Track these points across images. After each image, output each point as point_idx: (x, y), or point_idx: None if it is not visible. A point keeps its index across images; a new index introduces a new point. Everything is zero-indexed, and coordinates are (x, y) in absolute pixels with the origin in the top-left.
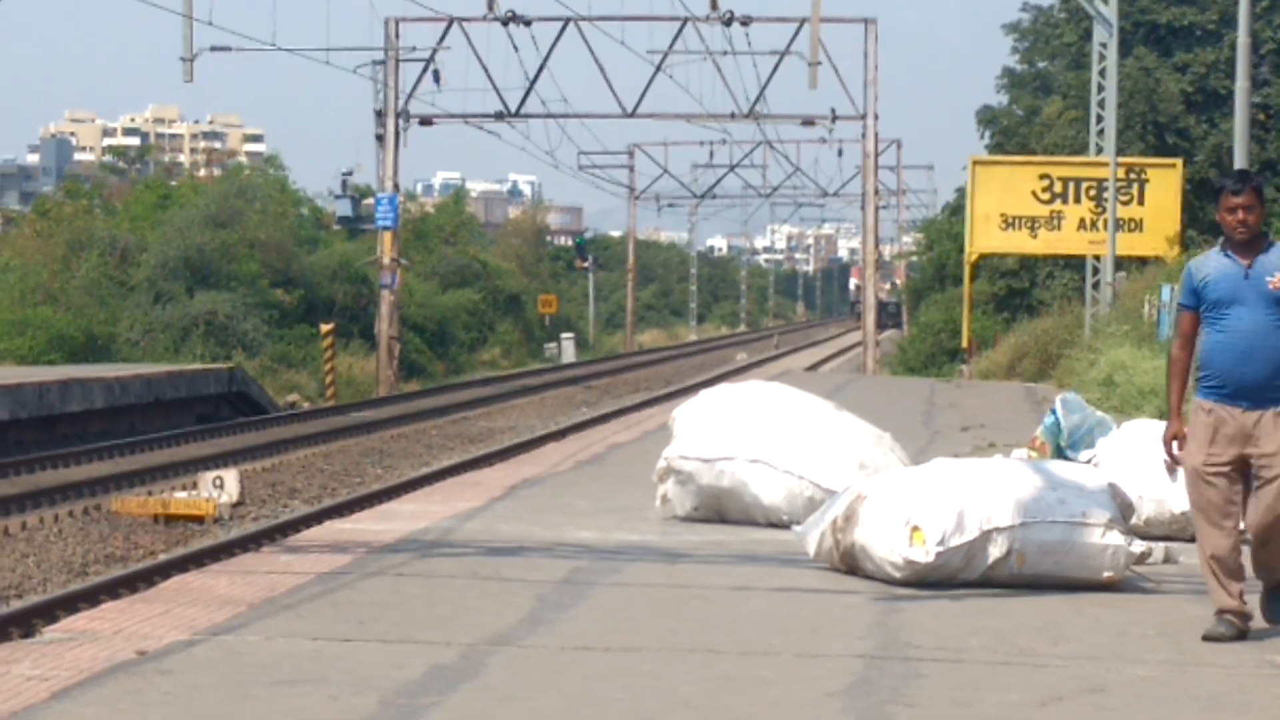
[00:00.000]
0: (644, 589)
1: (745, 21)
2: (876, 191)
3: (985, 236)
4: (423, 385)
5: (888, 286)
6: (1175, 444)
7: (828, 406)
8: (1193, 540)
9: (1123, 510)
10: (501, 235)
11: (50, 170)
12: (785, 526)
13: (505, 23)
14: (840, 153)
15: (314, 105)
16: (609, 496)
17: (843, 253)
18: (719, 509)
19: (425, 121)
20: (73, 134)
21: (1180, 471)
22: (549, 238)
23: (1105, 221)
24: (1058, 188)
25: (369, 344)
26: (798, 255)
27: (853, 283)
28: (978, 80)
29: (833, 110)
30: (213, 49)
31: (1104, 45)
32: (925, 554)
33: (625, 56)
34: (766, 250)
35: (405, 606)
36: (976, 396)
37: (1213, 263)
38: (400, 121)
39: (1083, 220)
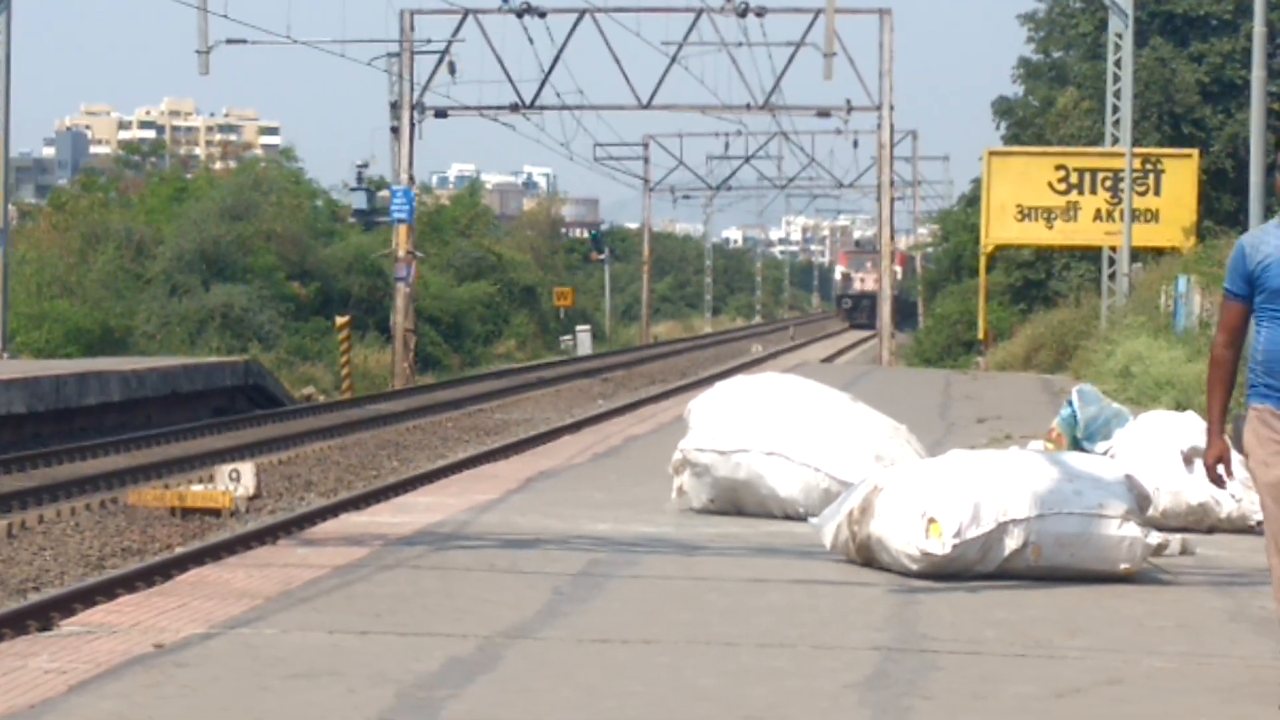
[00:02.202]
0: (661, 581)
1: (760, 13)
2: (892, 183)
3: (1001, 228)
4: (438, 378)
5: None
6: (1220, 466)
7: (844, 399)
8: (1210, 532)
9: (1139, 502)
10: (517, 227)
11: (66, 163)
12: (801, 519)
13: (520, 14)
14: (855, 144)
15: (329, 98)
16: (625, 489)
17: None
18: (735, 501)
19: (440, 114)
20: (88, 127)
21: (1197, 463)
22: (564, 230)
23: (1121, 212)
24: (1073, 179)
25: (384, 337)
26: (813, 247)
27: (838, 271)
28: (993, 71)
29: (848, 101)
30: (228, 42)
31: (1119, 35)
32: (941, 546)
33: (640, 48)
34: (782, 242)
35: (422, 599)
36: (993, 388)
37: (1273, 242)
38: (415, 114)
39: (1099, 211)
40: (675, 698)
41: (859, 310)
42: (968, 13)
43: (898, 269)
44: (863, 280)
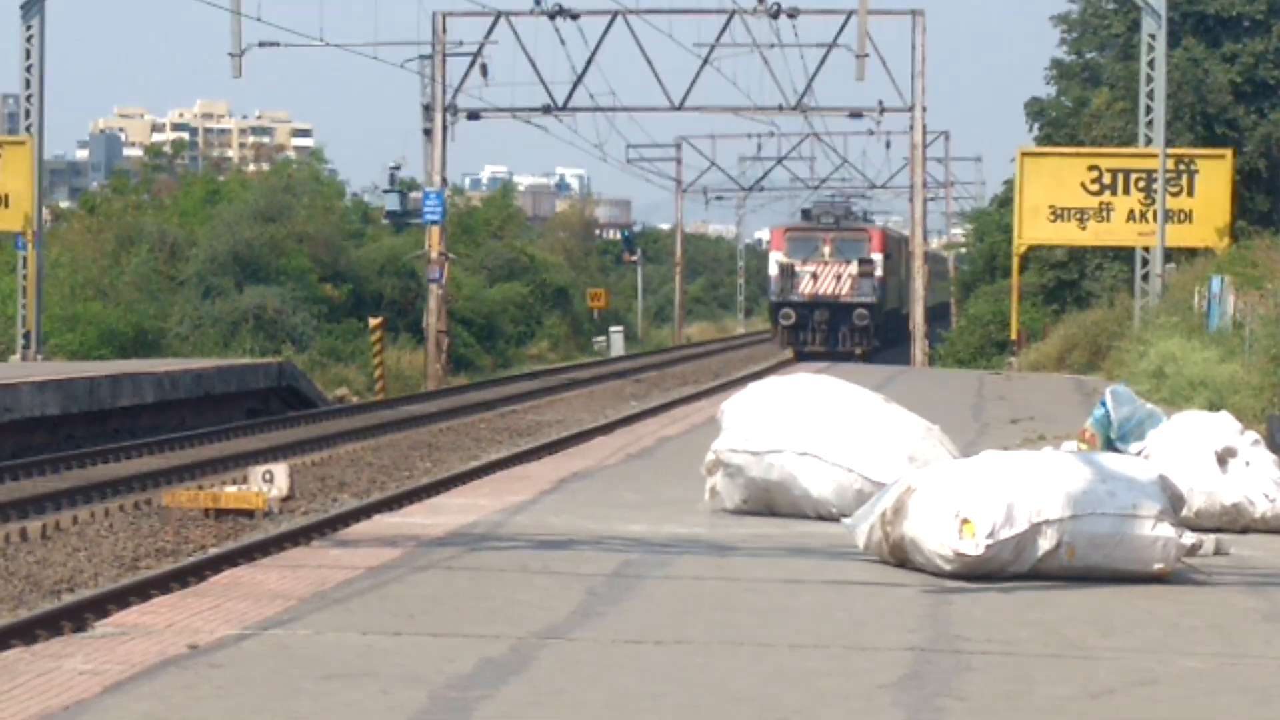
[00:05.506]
0: (694, 582)
1: (793, 14)
2: (925, 183)
3: (1034, 228)
4: (471, 379)
5: (854, 267)
6: None
7: (876, 399)
8: (1244, 532)
9: (1173, 502)
10: (549, 229)
11: (100, 166)
12: (834, 519)
13: (552, 16)
14: (888, 145)
15: (362, 100)
16: (658, 490)
17: None
18: (768, 502)
19: (473, 116)
20: (122, 130)
21: (1231, 463)
22: (597, 231)
23: (1154, 213)
24: (1106, 179)
25: (417, 338)
26: None
27: (773, 261)
28: (1026, 72)
29: (880, 102)
30: (261, 44)
31: (1152, 36)
32: (975, 546)
33: (673, 50)
34: None
35: (455, 600)
36: (1025, 389)
37: None
38: (448, 116)
39: (1132, 211)
40: (709, 700)
41: (807, 328)
42: (1000, 14)
43: (877, 256)
44: (816, 277)
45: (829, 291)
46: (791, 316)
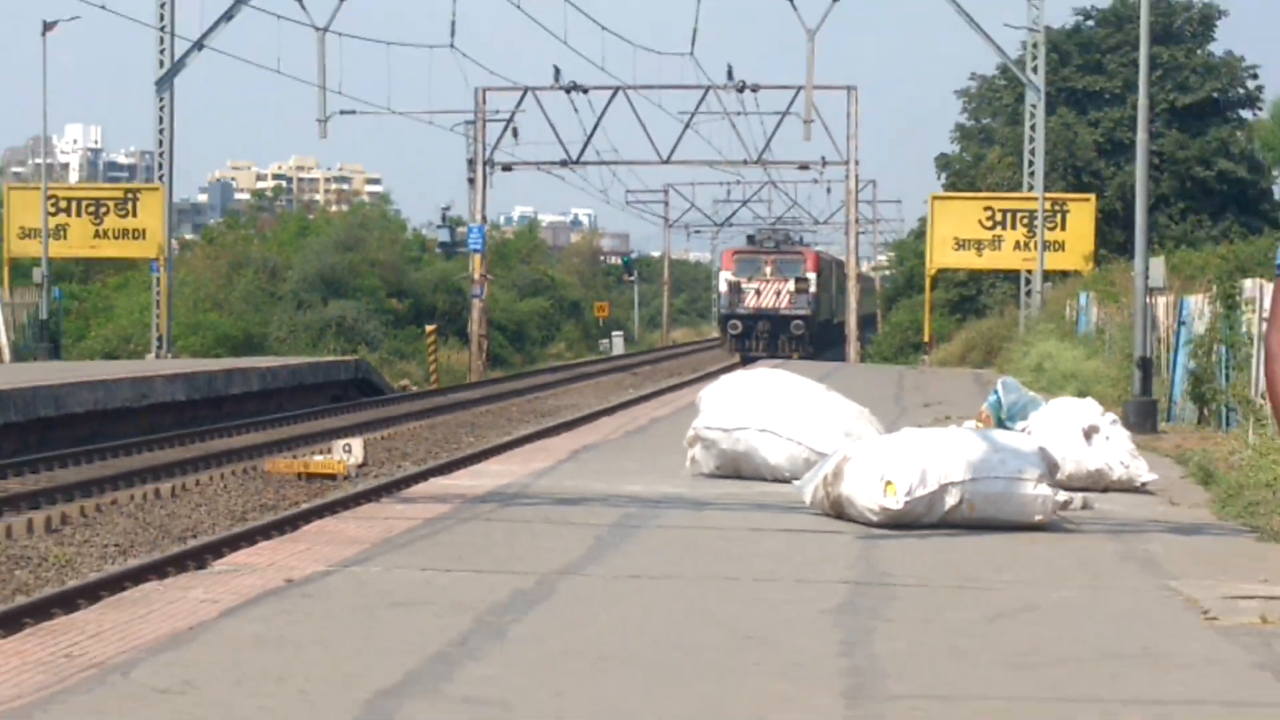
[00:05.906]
0: (679, 530)
1: (754, 88)
2: (857, 220)
3: (942, 255)
4: (505, 373)
5: (792, 285)
6: None
7: (820, 388)
8: (1105, 491)
9: (1050, 468)
10: (565, 256)
11: (215, 207)
12: (787, 482)
13: (569, 91)
14: (828, 190)
15: (420, 155)
16: (651, 459)
17: None
18: (736, 468)
19: (506, 168)
20: (233, 178)
21: (1095, 438)
22: (602, 258)
23: (1035, 244)
24: (998, 217)
25: (463, 341)
26: None
27: (723, 279)
28: (936, 133)
29: (823, 158)
30: (342, 112)
31: (1034, 106)
32: (896, 503)
33: (661, 117)
34: None
35: (492, 545)
36: (935, 380)
37: None
38: (487, 168)
39: (1018, 242)
40: (691, 621)
41: (752, 336)
42: (918, 86)
43: (811, 275)
44: (759, 293)
45: (770, 305)
46: (738, 327)
